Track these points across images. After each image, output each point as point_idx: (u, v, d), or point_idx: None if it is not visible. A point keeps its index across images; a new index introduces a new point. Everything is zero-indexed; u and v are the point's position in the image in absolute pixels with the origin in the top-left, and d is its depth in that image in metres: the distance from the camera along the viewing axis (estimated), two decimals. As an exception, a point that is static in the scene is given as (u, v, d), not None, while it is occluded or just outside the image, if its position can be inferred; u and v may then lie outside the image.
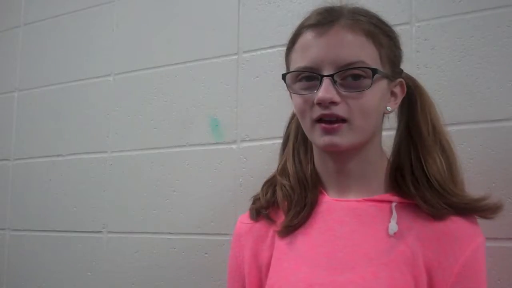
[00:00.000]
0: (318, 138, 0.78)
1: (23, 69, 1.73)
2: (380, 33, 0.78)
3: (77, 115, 1.58)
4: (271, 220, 0.86)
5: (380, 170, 0.83)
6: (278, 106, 1.24)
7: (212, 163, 1.32)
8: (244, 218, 0.92)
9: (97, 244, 1.47)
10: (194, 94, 1.37)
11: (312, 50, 0.77)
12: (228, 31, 1.34)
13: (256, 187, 1.24)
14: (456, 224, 0.76)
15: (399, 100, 0.83)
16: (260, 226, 0.88)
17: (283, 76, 0.81)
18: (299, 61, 0.79)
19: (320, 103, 0.75)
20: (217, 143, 1.32)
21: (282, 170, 0.89)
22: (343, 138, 0.76)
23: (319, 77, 0.76)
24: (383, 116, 0.83)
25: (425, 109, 0.84)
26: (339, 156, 0.81)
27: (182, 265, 1.32)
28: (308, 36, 0.78)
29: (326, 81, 0.75)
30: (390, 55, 0.80)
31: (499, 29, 1.01)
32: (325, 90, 0.74)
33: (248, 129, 1.28)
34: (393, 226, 0.76)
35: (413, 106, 0.84)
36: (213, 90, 1.34)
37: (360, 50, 0.76)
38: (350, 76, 0.75)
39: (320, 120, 0.77)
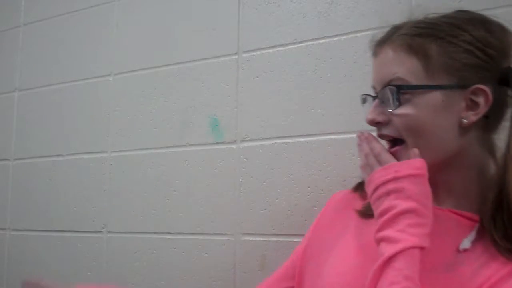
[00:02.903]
0: None
1: (23, 69, 1.73)
2: (431, 42, 0.72)
3: (77, 115, 1.58)
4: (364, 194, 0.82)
5: (475, 186, 0.75)
6: (278, 106, 1.24)
7: (212, 163, 1.32)
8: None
9: (97, 244, 1.47)
10: (194, 94, 1.37)
11: (373, 70, 0.80)
12: (228, 31, 1.34)
13: (256, 187, 1.25)
14: None
15: (482, 110, 0.71)
16: (348, 202, 0.88)
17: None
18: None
19: (369, 124, 0.77)
20: (217, 143, 1.32)
21: None
22: (402, 160, 0.73)
23: (372, 98, 0.78)
24: (467, 129, 0.72)
25: None
26: None
27: (182, 265, 1.32)
28: (372, 56, 0.81)
29: (374, 102, 0.77)
30: (447, 62, 0.71)
31: (499, 29, 1.01)
32: (369, 111, 0.76)
33: (248, 129, 1.28)
34: (465, 243, 0.71)
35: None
36: (213, 90, 1.34)
37: (398, 66, 0.73)
38: (391, 94, 0.73)
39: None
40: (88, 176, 1.52)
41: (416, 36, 0.73)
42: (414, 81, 0.72)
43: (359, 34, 1.16)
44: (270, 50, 1.27)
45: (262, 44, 1.29)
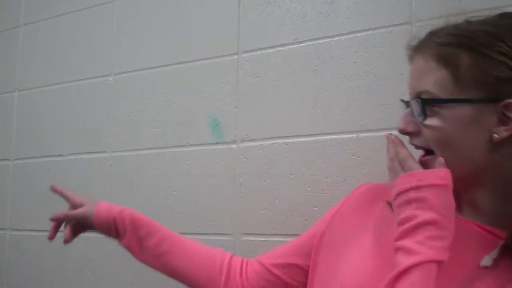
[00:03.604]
0: None
1: (23, 69, 1.73)
2: (463, 53, 0.69)
3: (77, 115, 1.58)
4: None
5: (502, 204, 0.73)
6: (278, 106, 1.24)
7: (212, 163, 1.32)
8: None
9: (97, 244, 1.47)
10: (194, 94, 1.37)
11: (409, 76, 0.78)
12: (228, 31, 1.34)
13: (256, 187, 1.25)
14: None
15: None
16: (375, 195, 0.87)
17: None
18: None
19: (399, 133, 0.76)
20: (217, 143, 1.32)
21: None
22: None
23: (405, 105, 0.77)
24: (498, 144, 0.69)
25: None
26: None
27: (182, 265, 1.32)
28: (408, 60, 0.79)
29: (406, 111, 0.75)
30: (478, 75, 0.68)
31: (499, 29, 1.01)
32: (400, 120, 0.76)
33: (248, 129, 1.28)
34: (487, 260, 0.69)
35: None
36: (213, 90, 1.34)
37: (427, 77, 0.72)
38: (420, 105, 0.72)
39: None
40: (88, 176, 1.52)
41: (447, 46, 0.71)
42: (442, 94, 0.70)
43: (359, 34, 1.16)
44: (270, 50, 1.27)
45: (262, 44, 1.29)
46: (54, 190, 1.05)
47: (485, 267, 0.69)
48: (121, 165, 1.48)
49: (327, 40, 1.20)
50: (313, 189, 1.17)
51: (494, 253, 0.69)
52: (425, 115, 0.71)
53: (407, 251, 0.65)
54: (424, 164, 0.73)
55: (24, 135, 1.69)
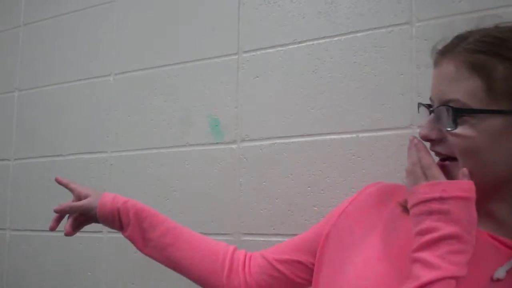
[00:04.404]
0: None
1: (23, 69, 1.73)
2: (497, 62, 0.68)
3: (77, 115, 1.58)
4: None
5: None
6: (278, 106, 1.24)
7: (212, 163, 1.32)
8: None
9: (97, 244, 1.47)
10: (194, 94, 1.37)
11: (432, 81, 0.75)
12: (228, 31, 1.34)
13: (256, 187, 1.25)
14: None
15: None
16: (385, 195, 0.86)
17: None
18: None
19: (421, 139, 0.73)
20: (217, 143, 1.32)
21: None
22: (451, 177, 0.70)
23: (429, 111, 0.74)
24: None
25: None
26: None
27: (182, 265, 1.32)
28: (433, 65, 0.76)
29: (430, 117, 0.73)
30: (511, 87, 0.67)
31: (499, 29, 1.01)
32: (423, 126, 0.73)
33: (248, 129, 1.28)
34: (500, 272, 0.68)
35: None
36: (213, 90, 1.34)
37: (458, 85, 0.69)
38: (450, 113, 0.69)
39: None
40: (88, 176, 1.52)
41: (481, 54, 0.68)
42: (474, 103, 0.68)
43: (359, 34, 1.16)
44: (270, 50, 1.27)
45: (262, 44, 1.29)
46: (59, 182, 1.04)
47: (498, 280, 0.68)
48: (121, 165, 1.48)
49: (327, 40, 1.20)
50: (313, 189, 1.17)
51: (508, 265, 0.69)
52: (456, 124, 0.69)
53: (427, 265, 0.63)
54: (444, 169, 0.71)
55: (24, 135, 1.69)
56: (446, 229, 0.64)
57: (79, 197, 1.01)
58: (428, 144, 0.74)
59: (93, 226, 1.49)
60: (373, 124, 1.12)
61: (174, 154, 1.39)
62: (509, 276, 0.68)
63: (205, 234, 1.32)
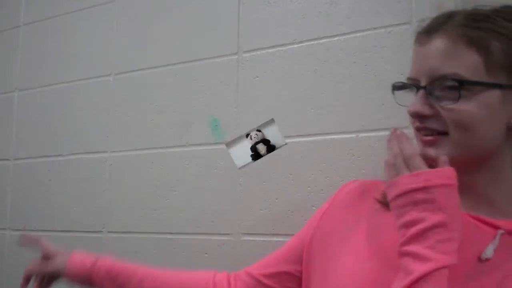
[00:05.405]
0: (419, 147, 0.74)
1: (23, 69, 1.73)
2: (493, 38, 0.69)
3: (77, 115, 1.58)
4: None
5: (500, 191, 0.73)
6: (278, 106, 1.24)
7: (212, 163, 1.32)
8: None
9: (97, 244, 1.47)
10: (194, 94, 1.37)
11: (415, 60, 0.75)
12: (228, 31, 1.34)
13: (256, 187, 1.25)
14: None
15: None
16: (364, 192, 0.86)
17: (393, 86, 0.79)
18: (410, 71, 0.76)
19: (412, 116, 0.73)
20: (217, 143, 1.32)
21: None
22: (439, 151, 0.71)
23: (415, 89, 0.74)
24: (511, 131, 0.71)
25: None
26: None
27: (182, 265, 1.32)
28: (416, 45, 0.76)
29: (419, 93, 0.72)
30: (509, 61, 0.69)
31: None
32: (414, 103, 0.72)
33: (248, 129, 1.28)
34: (488, 252, 0.68)
35: None
36: (213, 90, 1.34)
37: (455, 60, 0.69)
38: (447, 88, 0.69)
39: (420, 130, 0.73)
40: (88, 176, 1.53)
41: (477, 30, 0.69)
42: (474, 77, 0.68)
43: (359, 34, 1.16)
44: (270, 50, 1.27)
45: (262, 44, 1.29)
46: (26, 241, 1.05)
47: (487, 259, 0.68)
48: (121, 165, 1.48)
49: (327, 40, 1.20)
50: (313, 189, 1.17)
51: (493, 243, 0.69)
52: (458, 97, 0.68)
53: (418, 258, 0.63)
54: (434, 144, 0.71)
55: (24, 135, 1.69)
56: (433, 218, 0.64)
57: (46, 255, 1.04)
58: (417, 139, 0.74)
59: (93, 226, 1.50)
60: (373, 124, 1.12)
61: (174, 154, 1.39)
62: (498, 255, 0.68)
63: (205, 234, 1.33)
